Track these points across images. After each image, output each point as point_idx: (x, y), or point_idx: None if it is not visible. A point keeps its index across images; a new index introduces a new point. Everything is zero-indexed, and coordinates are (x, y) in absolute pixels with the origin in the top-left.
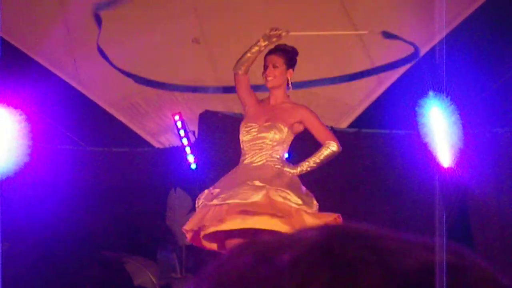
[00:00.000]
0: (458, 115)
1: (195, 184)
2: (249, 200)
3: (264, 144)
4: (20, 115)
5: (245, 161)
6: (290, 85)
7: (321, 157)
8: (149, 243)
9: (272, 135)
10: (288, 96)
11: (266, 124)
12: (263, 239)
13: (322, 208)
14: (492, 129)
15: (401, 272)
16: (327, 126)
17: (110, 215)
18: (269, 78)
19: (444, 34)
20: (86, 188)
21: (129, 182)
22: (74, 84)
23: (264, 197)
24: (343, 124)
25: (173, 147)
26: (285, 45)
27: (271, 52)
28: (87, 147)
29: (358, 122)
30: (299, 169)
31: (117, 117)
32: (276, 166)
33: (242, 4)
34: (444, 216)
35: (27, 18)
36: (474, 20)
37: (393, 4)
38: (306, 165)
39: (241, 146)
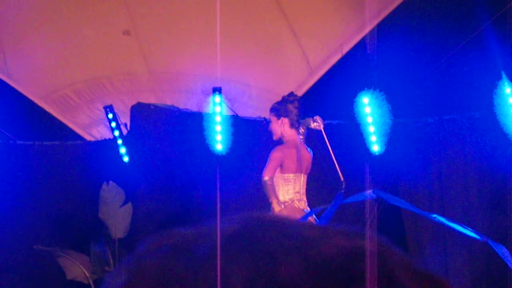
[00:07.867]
0: (389, 105)
1: (127, 177)
2: None
3: None
4: None
5: None
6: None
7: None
8: (81, 237)
9: None
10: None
11: None
12: (180, 231)
13: None
14: (421, 118)
15: (319, 258)
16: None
17: (42, 209)
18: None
19: (374, 23)
20: (17, 182)
21: (61, 175)
22: (2, 77)
23: None
24: None
25: (105, 139)
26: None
27: None
28: (18, 140)
29: None
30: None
31: (47, 110)
32: None
33: None
34: (376, 204)
35: None
36: (405, 9)
37: None
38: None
39: None
